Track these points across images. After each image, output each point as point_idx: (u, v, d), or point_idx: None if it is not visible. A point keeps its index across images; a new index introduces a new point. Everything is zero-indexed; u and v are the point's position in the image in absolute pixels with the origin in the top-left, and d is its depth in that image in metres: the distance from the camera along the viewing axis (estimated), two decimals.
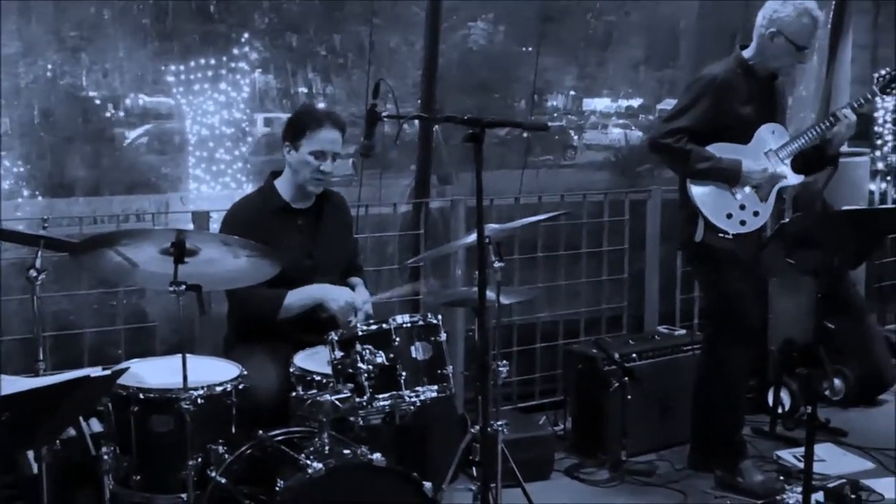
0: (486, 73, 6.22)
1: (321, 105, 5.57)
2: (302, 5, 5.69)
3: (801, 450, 4.54)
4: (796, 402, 5.58)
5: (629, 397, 4.94)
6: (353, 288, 4.20)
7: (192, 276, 3.25)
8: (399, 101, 3.44)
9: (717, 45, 6.76)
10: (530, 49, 6.30)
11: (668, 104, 8.03)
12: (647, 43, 6.82)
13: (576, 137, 7.44)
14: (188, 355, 3.28)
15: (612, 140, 8.06)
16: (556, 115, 6.88)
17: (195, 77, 5.25)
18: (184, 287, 3.19)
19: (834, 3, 6.94)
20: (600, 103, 7.59)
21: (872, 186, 7.35)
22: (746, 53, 4.61)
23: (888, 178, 7.54)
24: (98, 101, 5.16)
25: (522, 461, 4.32)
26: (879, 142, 7.52)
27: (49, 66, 4.97)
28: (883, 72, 4.61)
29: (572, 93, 6.93)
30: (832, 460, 5.08)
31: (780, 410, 5.55)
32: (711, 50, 6.67)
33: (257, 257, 3.35)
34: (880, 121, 7.62)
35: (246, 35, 5.37)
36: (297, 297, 3.99)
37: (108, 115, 5.22)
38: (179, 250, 3.20)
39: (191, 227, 4.64)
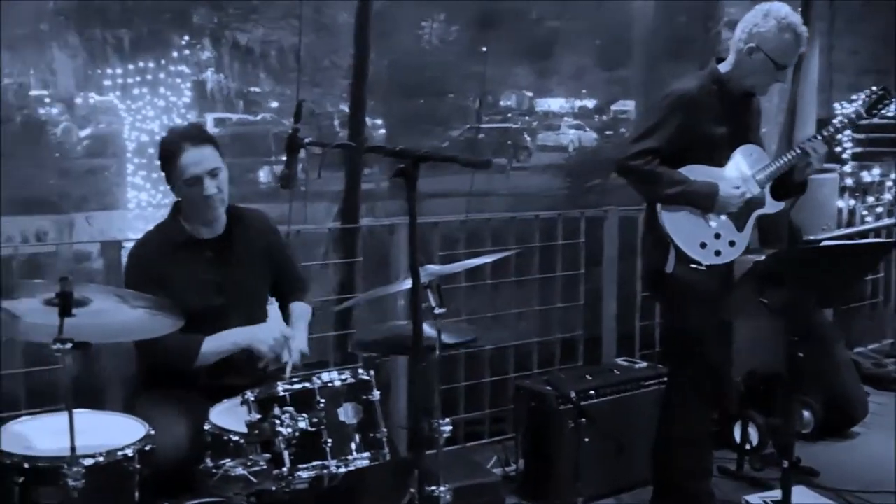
0: (438, 73, 5.90)
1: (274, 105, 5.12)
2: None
3: (772, 494, 4.24)
4: (764, 437, 5.22)
5: (586, 439, 4.55)
6: (287, 319, 3.78)
7: (82, 328, 2.79)
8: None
9: (672, 47, 6.48)
10: (484, 49, 6.02)
11: (624, 105, 7.76)
12: (601, 43, 6.53)
13: (528, 139, 7.18)
14: (84, 411, 2.84)
15: (567, 141, 7.80)
16: (509, 115, 6.63)
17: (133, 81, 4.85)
18: (70, 345, 2.74)
19: (800, 9, 6.61)
20: (554, 103, 7.31)
21: (840, 203, 7.03)
22: (723, 68, 4.17)
23: (856, 194, 7.24)
24: None
25: None
26: (844, 156, 7.25)
27: None
28: (868, 92, 4.22)
29: (528, 94, 6.69)
30: None
31: (747, 446, 5.18)
32: (665, 52, 6.39)
33: (155, 311, 2.90)
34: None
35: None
36: (216, 345, 3.51)
37: None
38: (65, 302, 2.75)
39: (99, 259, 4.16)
